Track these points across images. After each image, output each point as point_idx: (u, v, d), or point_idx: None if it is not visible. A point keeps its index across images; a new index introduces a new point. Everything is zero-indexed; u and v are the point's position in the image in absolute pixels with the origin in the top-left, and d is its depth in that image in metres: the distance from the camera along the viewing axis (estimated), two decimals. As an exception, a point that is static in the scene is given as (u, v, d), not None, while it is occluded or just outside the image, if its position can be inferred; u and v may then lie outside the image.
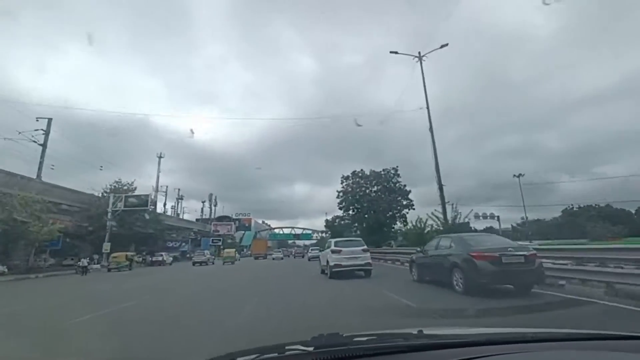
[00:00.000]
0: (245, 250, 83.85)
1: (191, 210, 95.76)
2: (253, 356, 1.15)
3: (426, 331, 1.40)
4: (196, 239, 62.84)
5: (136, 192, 38.61)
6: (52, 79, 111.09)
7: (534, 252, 7.67)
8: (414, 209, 32.60)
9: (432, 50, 21.74)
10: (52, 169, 33.89)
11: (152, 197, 42.71)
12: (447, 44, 21.40)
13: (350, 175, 34.95)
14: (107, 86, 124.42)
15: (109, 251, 31.68)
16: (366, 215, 33.37)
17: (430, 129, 21.09)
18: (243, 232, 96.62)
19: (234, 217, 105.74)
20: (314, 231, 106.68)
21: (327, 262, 13.16)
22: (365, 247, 13.25)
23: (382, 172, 34.25)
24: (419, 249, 11.41)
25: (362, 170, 34.99)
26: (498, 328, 1.67)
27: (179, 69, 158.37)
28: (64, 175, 77.83)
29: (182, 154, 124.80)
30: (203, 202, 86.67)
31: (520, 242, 12.19)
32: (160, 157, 59.85)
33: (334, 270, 12.49)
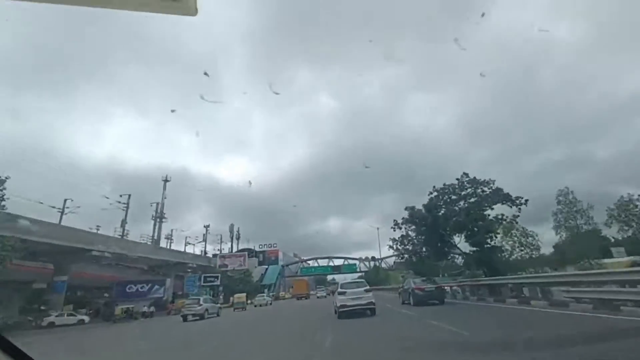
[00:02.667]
0: (268, 290, 63.90)
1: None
2: None
3: None
4: (179, 275, 43.16)
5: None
6: (104, 143, 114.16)
7: (440, 285, 19.56)
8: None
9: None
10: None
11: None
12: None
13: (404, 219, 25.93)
14: (149, 144, 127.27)
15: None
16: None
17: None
18: (266, 267, 76.69)
19: (257, 249, 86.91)
20: (361, 259, 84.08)
21: (335, 303, 14.61)
22: (367, 287, 14.66)
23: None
24: (399, 287, 24.65)
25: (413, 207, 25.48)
26: None
27: (210, 123, 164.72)
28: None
29: (217, 200, 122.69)
30: (219, 237, 68.34)
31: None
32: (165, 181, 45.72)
33: (340, 310, 13.56)
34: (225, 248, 74.97)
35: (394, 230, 26.51)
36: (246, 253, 64.46)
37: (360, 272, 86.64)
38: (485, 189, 22.50)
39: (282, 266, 78.90)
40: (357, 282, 16.07)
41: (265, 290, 62.82)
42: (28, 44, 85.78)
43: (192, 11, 1.24)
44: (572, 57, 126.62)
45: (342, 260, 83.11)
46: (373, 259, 79.31)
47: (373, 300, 13.65)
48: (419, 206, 25.10)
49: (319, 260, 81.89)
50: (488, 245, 22.00)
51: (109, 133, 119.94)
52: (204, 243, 60.37)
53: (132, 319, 29.60)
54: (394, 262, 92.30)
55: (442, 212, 23.38)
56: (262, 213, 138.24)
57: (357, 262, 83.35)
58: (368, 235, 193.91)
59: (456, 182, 23.55)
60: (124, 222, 35.51)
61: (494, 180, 22.60)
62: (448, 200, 23.68)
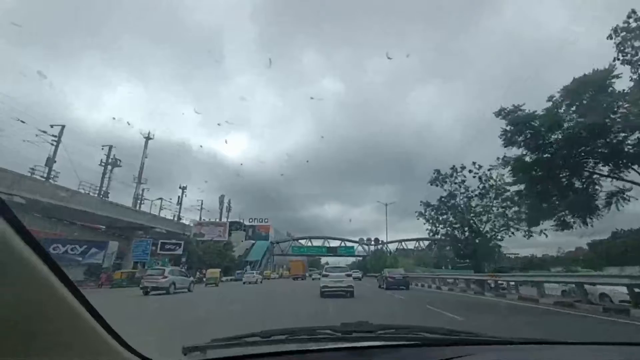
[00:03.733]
0: (251, 268, 56.11)
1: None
2: (285, 336, 1.32)
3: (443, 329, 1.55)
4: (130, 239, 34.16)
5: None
6: (104, 109, 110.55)
7: (407, 274, 25.42)
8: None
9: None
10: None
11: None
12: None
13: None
14: (149, 113, 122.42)
15: None
16: None
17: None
18: (253, 242, 68.58)
19: (247, 223, 78.84)
20: (361, 241, 75.42)
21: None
22: (349, 272, 16.81)
23: None
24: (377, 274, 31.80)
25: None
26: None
27: (213, 98, 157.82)
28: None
29: (215, 175, 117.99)
30: (199, 202, 59.65)
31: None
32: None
33: (322, 290, 14.95)
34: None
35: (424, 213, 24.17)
36: (227, 222, 56.27)
37: (359, 256, 78.72)
38: None
39: (271, 243, 70.84)
40: (341, 267, 18.37)
41: (247, 267, 54.90)
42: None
43: None
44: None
45: (339, 242, 74.90)
46: (376, 241, 70.70)
47: (352, 284, 15.38)
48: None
49: (312, 241, 73.62)
50: None
51: (106, 100, 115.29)
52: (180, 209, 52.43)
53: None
54: (434, 244, 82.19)
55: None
56: (258, 192, 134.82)
57: (355, 245, 75.18)
58: (368, 223, 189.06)
59: None
60: (50, 161, 26.91)
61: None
62: None
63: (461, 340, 1.39)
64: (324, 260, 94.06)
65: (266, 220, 78.65)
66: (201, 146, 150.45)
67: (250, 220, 78.46)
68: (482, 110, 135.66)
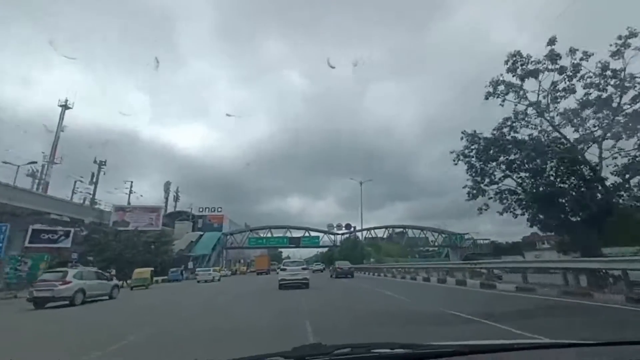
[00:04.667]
0: (203, 263, 46.58)
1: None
2: None
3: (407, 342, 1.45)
4: None
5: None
6: (39, 91, 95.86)
7: (351, 266, 29.28)
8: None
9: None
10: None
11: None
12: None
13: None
14: (93, 100, 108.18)
15: None
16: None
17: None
18: (201, 233, 58.36)
19: (196, 213, 68.33)
20: (330, 229, 66.78)
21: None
22: (304, 265, 17.98)
23: None
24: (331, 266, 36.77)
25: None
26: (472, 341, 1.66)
27: (166, 85, 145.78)
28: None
29: (169, 167, 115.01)
30: (129, 184, 47.99)
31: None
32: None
33: (280, 283, 16.03)
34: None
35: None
36: (161, 207, 45.67)
37: (324, 246, 70.90)
38: None
39: (224, 234, 60.90)
40: (297, 261, 21.49)
41: (190, 263, 45.01)
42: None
43: None
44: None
45: (302, 232, 66.49)
46: (347, 227, 62.67)
47: (307, 277, 16.49)
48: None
49: (273, 231, 64.61)
50: None
51: (45, 80, 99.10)
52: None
53: None
54: (404, 231, 75.67)
55: None
56: (216, 186, 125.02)
57: (320, 235, 67.14)
58: (331, 217, 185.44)
59: None
60: None
61: None
62: None
63: (419, 355, 1.33)
64: (285, 253, 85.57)
65: (219, 210, 68.49)
66: (154, 137, 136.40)
67: (201, 210, 67.94)
68: (439, 108, 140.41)
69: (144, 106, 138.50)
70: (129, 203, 43.34)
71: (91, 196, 38.23)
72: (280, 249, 77.67)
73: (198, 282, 32.41)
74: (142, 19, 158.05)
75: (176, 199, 71.63)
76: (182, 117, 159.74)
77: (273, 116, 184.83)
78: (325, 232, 67.95)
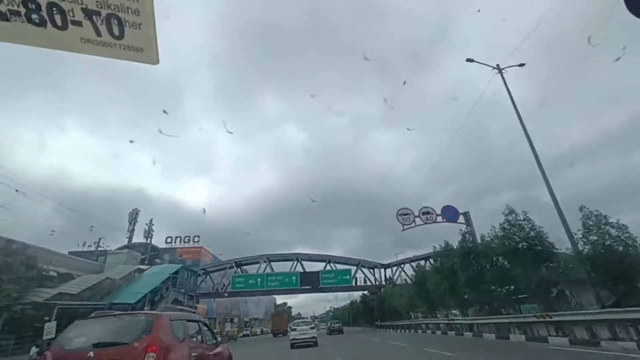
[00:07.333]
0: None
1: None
2: None
3: None
4: None
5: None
6: (50, 156, 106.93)
7: (341, 325, 37.92)
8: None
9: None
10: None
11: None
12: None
13: None
14: (104, 162, 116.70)
15: None
16: None
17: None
18: (147, 266, 35.58)
19: (165, 246, 46.57)
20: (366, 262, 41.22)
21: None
22: (312, 325, 20.29)
23: None
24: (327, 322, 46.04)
25: None
26: None
27: (172, 145, 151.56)
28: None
29: (175, 222, 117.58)
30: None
31: None
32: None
33: (292, 342, 18.32)
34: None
35: None
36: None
37: (361, 288, 45.26)
38: None
39: (191, 271, 37.63)
40: (306, 321, 21.70)
41: (52, 326, 21.86)
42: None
43: (154, 61, 1.45)
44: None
45: (324, 263, 41.73)
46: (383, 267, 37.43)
47: (315, 336, 18.84)
48: None
49: (273, 265, 40.58)
50: None
51: (57, 146, 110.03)
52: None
53: None
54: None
55: None
56: (221, 238, 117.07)
57: (352, 268, 42.13)
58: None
59: None
60: None
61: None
62: None
63: None
64: (293, 302, 59.50)
65: (196, 240, 46.42)
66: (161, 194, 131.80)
67: (168, 240, 46.48)
68: (437, 155, 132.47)
69: (149, 166, 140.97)
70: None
71: None
72: (285, 294, 51.61)
73: None
74: (148, 88, 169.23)
75: (148, 233, 51.18)
76: (182, 175, 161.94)
77: (273, 172, 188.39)
78: (358, 266, 42.83)
